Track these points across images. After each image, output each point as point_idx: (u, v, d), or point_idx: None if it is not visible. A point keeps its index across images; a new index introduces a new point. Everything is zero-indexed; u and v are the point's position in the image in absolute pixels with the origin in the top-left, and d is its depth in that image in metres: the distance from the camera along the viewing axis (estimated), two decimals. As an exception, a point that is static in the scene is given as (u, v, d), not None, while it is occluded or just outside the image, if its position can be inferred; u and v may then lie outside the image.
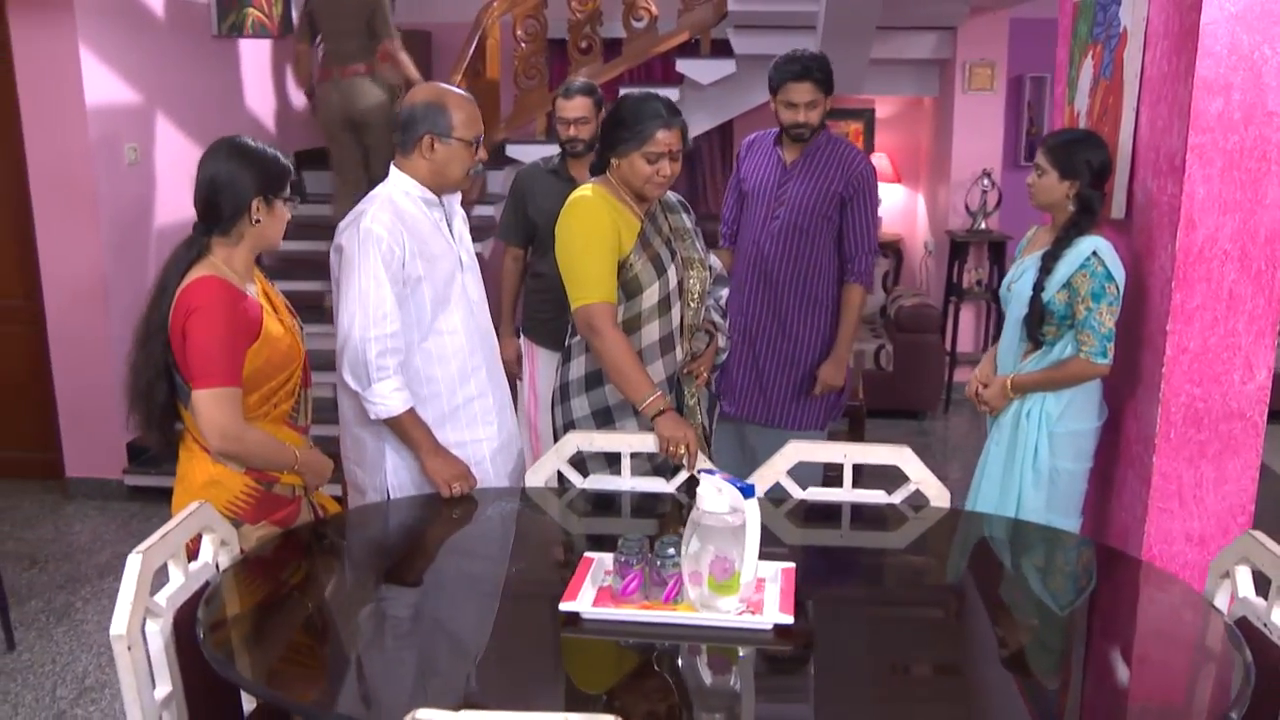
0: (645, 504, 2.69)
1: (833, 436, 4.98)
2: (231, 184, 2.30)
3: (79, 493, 4.94)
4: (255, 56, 5.95)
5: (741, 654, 1.94)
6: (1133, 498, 3.00)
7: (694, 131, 6.87)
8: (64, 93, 4.51)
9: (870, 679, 1.91)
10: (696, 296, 2.88)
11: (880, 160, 7.23)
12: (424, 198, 2.69)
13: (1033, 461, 3.00)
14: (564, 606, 2.00)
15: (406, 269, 2.59)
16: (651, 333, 2.78)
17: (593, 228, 2.70)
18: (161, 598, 2.06)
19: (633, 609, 2.02)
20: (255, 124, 5.96)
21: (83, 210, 4.61)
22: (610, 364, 2.70)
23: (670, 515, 2.63)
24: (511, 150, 6.44)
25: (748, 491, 1.94)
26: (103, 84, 4.61)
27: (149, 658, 2.01)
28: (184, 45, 5.22)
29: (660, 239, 2.81)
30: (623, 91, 3.57)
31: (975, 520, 2.70)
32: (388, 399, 2.57)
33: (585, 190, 2.78)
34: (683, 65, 6.33)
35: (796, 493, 2.62)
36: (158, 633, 2.02)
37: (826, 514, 2.62)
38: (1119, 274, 2.87)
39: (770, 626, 1.95)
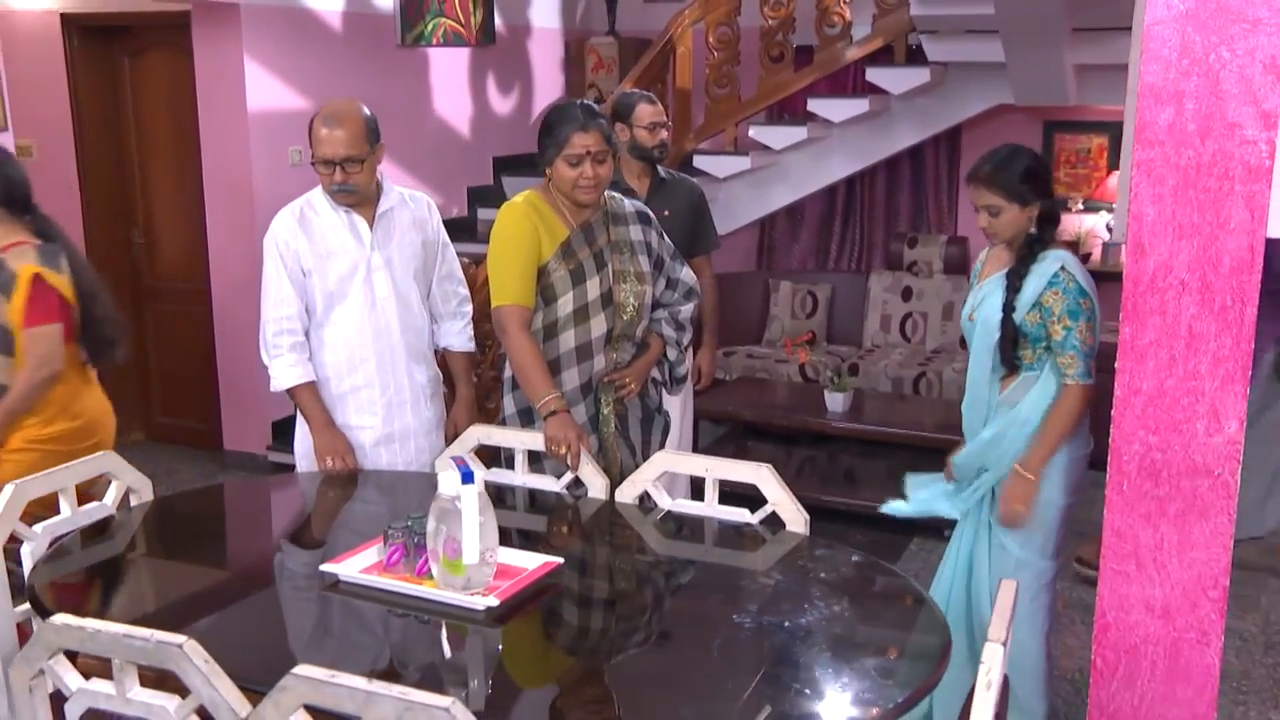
0: (541, 499, 3.01)
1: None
2: None
3: (232, 464, 5.81)
4: (450, 64, 6.66)
5: (471, 630, 2.20)
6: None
7: (895, 147, 6.80)
8: (230, 100, 5.37)
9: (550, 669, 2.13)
10: (631, 309, 3.09)
11: (1117, 180, 6.87)
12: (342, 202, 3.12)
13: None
14: (323, 568, 2.34)
15: (301, 263, 3.09)
16: (569, 340, 3.03)
17: (511, 234, 3.01)
18: (39, 527, 2.61)
19: (391, 578, 2.32)
20: (446, 130, 6.67)
21: (242, 207, 5.45)
22: (514, 363, 3.00)
23: (558, 510, 2.94)
24: (699, 161, 6.62)
25: (467, 478, 2.19)
26: (266, 92, 5.44)
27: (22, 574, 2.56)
28: (364, 55, 5.97)
29: (589, 250, 3.05)
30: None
31: (809, 548, 2.67)
32: (281, 374, 3.08)
33: (517, 198, 3.09)
34: (873, 74, 6.36)
35: (665, 503, 2.79)
36: (29, 554, 2.58)
37: (682, 526, 2.78)
38: (1090, 287, 2.93)
39: (483, 608, 2.18)
